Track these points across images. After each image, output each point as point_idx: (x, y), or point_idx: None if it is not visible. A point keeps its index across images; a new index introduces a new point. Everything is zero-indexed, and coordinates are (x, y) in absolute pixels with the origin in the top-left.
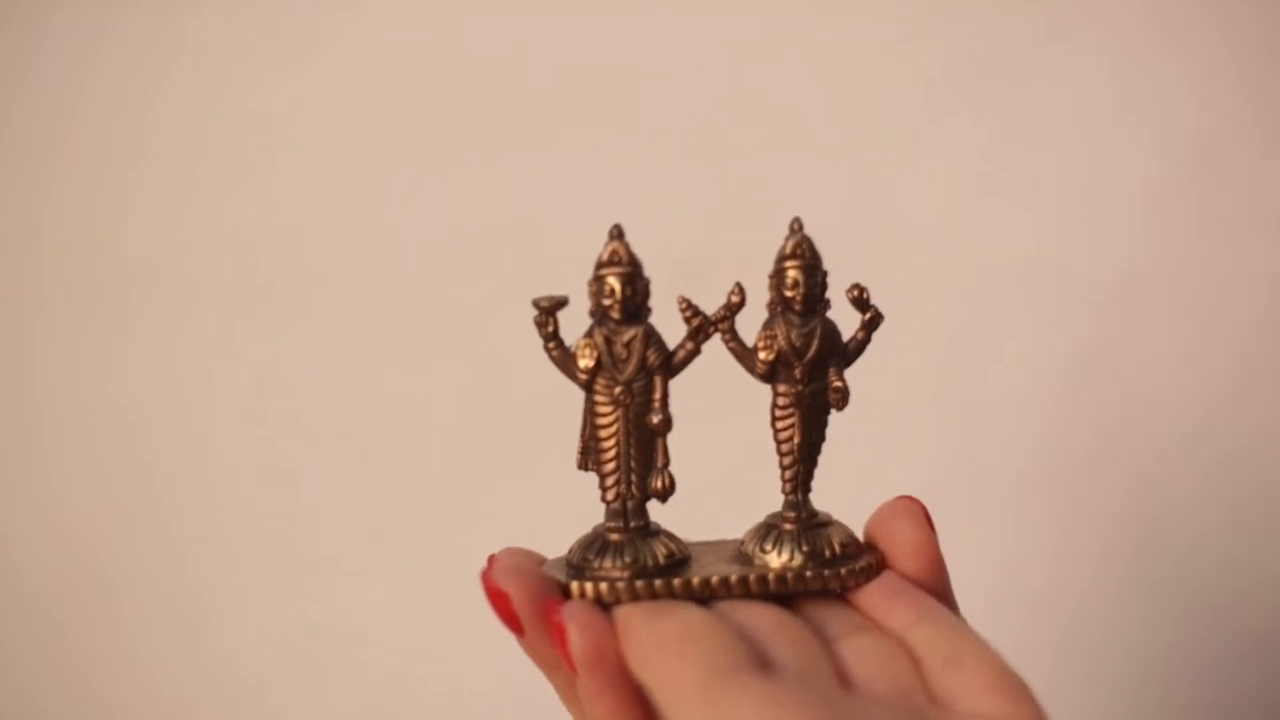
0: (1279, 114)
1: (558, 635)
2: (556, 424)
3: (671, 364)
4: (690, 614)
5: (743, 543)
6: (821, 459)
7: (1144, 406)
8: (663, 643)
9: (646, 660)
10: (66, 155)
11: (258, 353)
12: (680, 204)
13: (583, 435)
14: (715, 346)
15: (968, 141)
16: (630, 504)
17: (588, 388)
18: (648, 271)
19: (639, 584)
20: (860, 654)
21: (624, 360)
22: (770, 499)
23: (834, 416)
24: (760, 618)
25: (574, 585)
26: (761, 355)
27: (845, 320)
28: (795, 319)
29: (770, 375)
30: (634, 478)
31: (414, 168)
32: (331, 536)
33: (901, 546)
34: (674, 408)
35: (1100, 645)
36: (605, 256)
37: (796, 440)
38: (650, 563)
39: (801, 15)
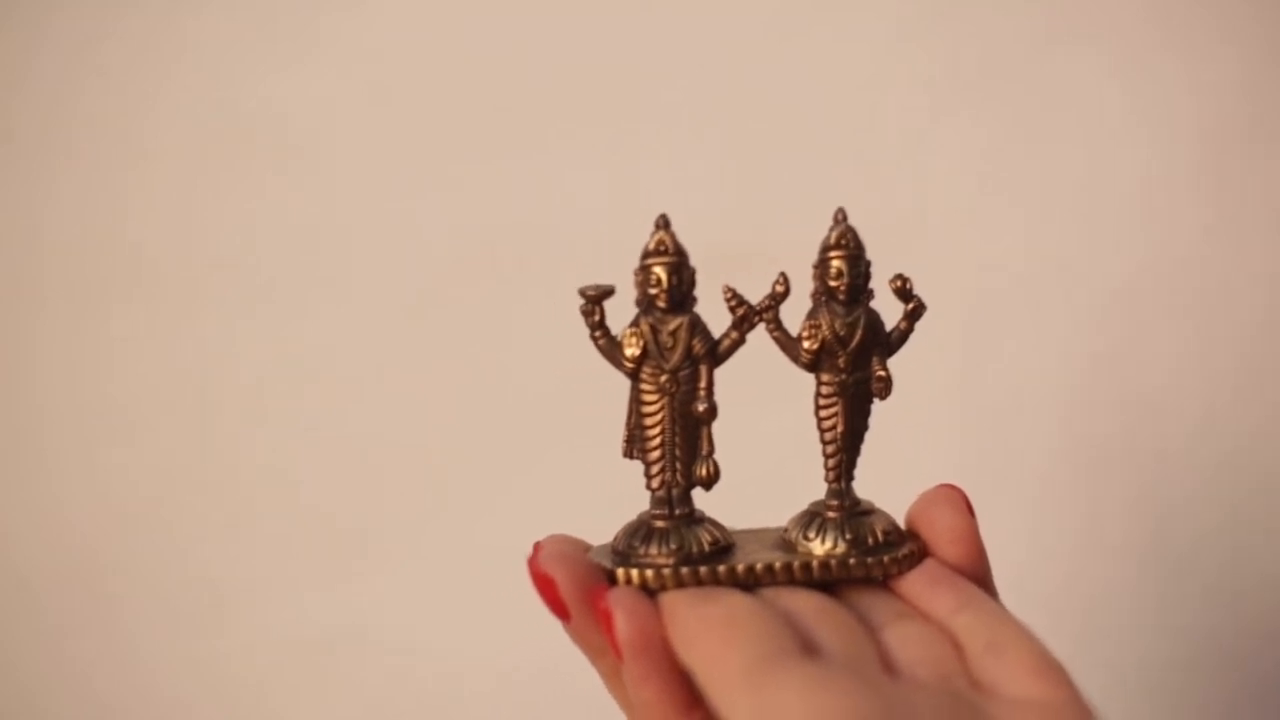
0: None
1: (604, 621)
2: (555, 424)
3: (716, 353)
4: (736, 600)
5: (786, 530)
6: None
7: (1158, 400)
8: (709, 628)
9: (692, 645)
10: (66, 155)
11: (258, 352)
12: (684, 202)
13: (628, 424)
14: (759, 336)
15: (970, 141)
16: (675, 492)
17: (634, 376)
18: None
19: (684, 570)
20: (903, 640)
21: (670, 349)
22: (813, 487)
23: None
24: (805, 604)
25: (619, 571)
26: (806, 344)
27: (888, 310)
28: (839, 308)
29: (814, 364)
30: (679, 465)
31: (417, 166)
32: (333, 536)
33: (942, 534)
34: (718, 396)
35: (1120, 637)
36: (652, 246)
37: (840, 429)
38: (695, 550)
39: (802, 15)
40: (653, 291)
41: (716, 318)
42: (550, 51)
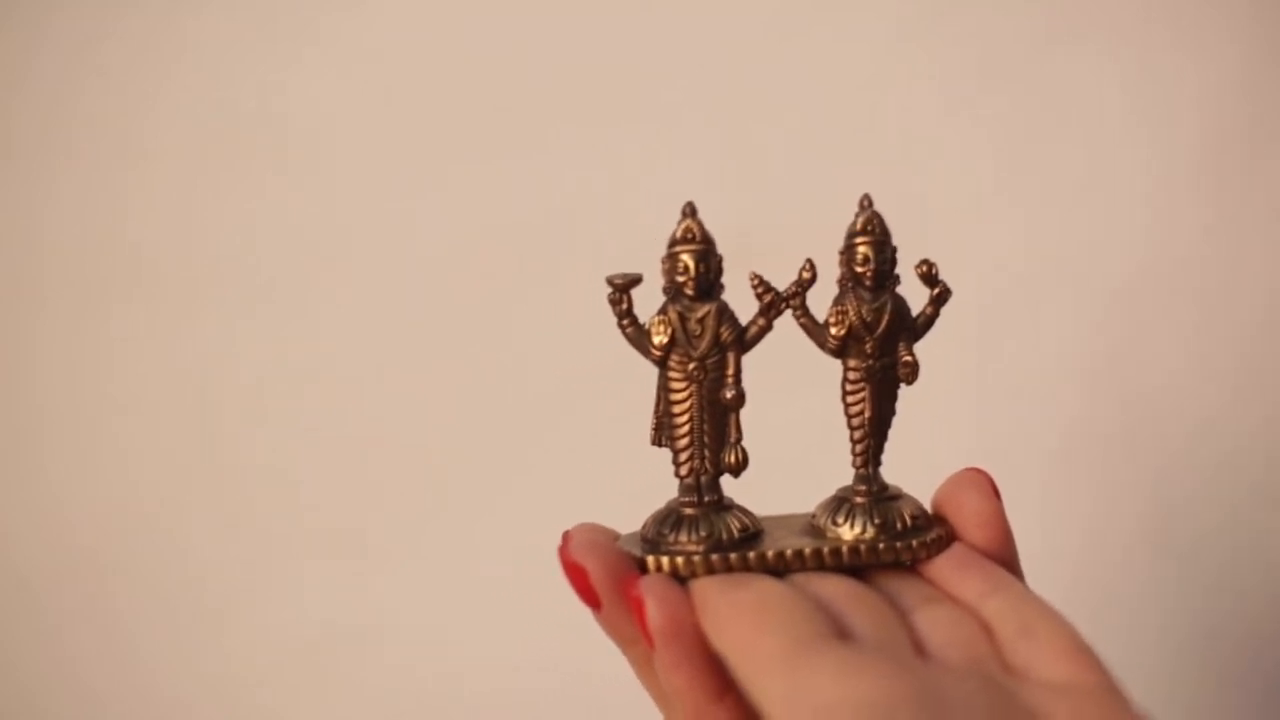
0: None
1: (636, 609)
2: (556, 422)
3: (744, 340)
4: (767, 585)
5: (814, 516)
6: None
7: (1163, 396)
8: (741, 614)
9: (725, 631)
10: (66, 155)
11: (258, 352)
12: (690, 196)
13: (656, 411)
14: (786, 322)
15: (973, 140)
16: (704, 479)
17: (662, 364)
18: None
19: (714, 557)
20: (934, 624)
21: (697, 336)
22: (840, 473)
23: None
24: (835, 589)
25: (650, 559)
26: (833, 330)
27: (913, 296)
28: (866, 294)
29: (841, 350)
30: (707, 453)
31: (418, 165)
32: (333, 536)
33: (970, 518)
34: (746, 383)
35: (1127, 635)
36: (679, 234)
37: (867, 414)
38: (724, 536)
39: (809, 13)
40: (680, 279)
41: (743, 305)
42: (556, 47)
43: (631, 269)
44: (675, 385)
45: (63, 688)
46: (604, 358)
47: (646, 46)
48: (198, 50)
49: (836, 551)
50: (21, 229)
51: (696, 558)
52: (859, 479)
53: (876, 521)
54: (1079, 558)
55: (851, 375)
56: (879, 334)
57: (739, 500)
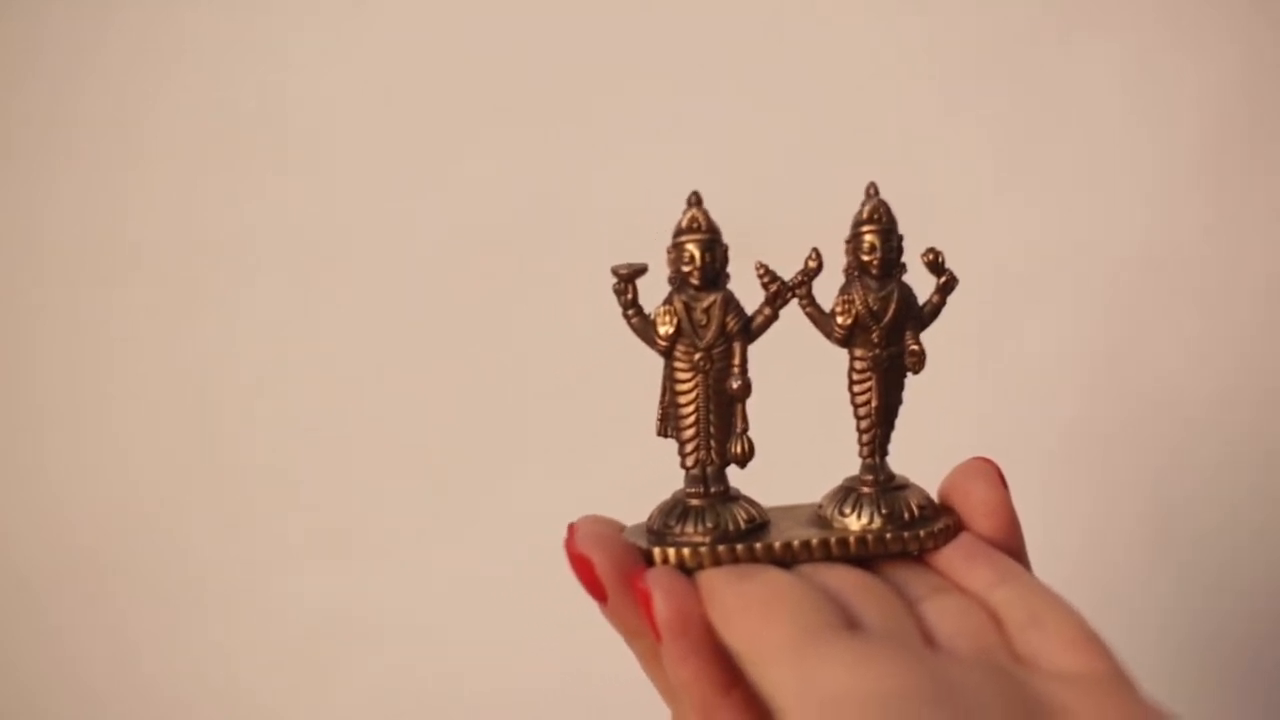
0: None
1: (642, 601)
2: (556, 420)
3: (750, 329)
4: (775, 576)
5: (821, 506)
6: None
7: (1166, 392)
8: (749, 605)
9: (733, 623)
10: (65, 153)
11: (256, 349)
12: (697, 184)
13: (662, 402)
14: (792, 312)
15: (976, 135)
16: (710, 470)
17: (667, 354)
18: None
19: (721, 549)
20: (942, 614)
21: (703, 326)
22: (847, 463)
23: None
24: (843, 579)
25: (656, 551)
26: (839, 320)
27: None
28: (872, 283)
29: (848, 339)
30: (713, 444)
31: (418, 162)
32: (333, 535)
33: (976, 507)
34: (752, 373)
35: (1132, 625)
36: (684, 223)
37: (874, 404)
38: (731, 527)
39: (810, 11)
40: (686, 269)
41: (749, 294)
42: (557, 45)
43: (635, 261)
44: (681, 376)
45: (61, 687)
46: (609, 349)
47: (649, 43)
48: (197, 48)
49: (844, 542)
50: (20, 227)
51: (703, 549)
52: (866, 469)
53: (884, 512)
54: (1079, 557)
55: (858, 365)
56: (885, 323)
57: (745, 491)
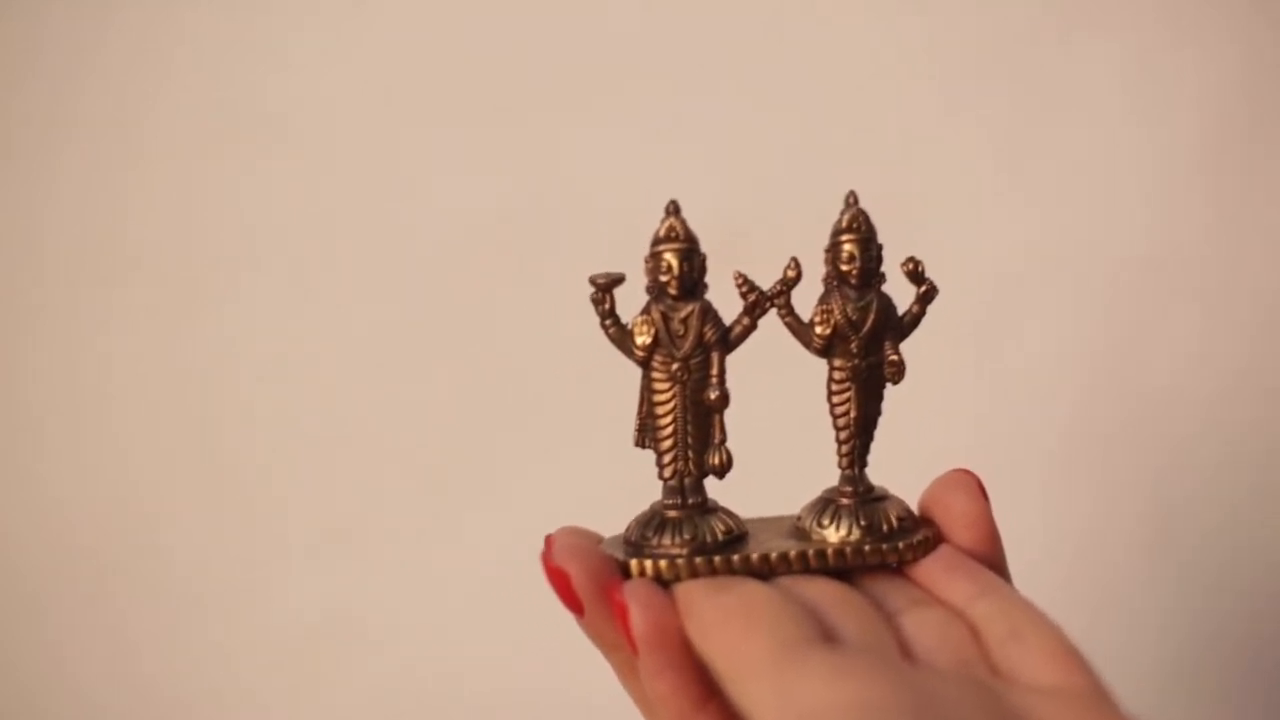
0: None
1: (619, 614)
2: (554, 420)
3: (728, 340)
4: (753, 589)
5: (800, 518)
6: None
7: (1165, 393)
8: (727, 618)
9: (710, 636)
10: (63, 152)
11: (254, 350)
12: (693, 189)
13: (639, 412)
14: (771, 322)
15: (977, 134)
16: (688, 481)
17: (645, 364)
18: None
19: (698, 560)
20: (921, 627)
21: (681, 336)
22: (826, 474)
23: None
24: (822, 592)
25: (633, 563)
26: (818, 330)
27: (899, 294)
28: (851, 293)
29: (827, 349)
30: (691, 454)
31: (417, 161)
32: (332, 535)
33: (957, 519)
34: (730, 383)
35: (1132, 625)
36: (662, 233)
37: (853, 414)
38: (709, 539)
39: (808, 11)
40: (664, 278)
41: (727, 304)
42: (555, 41)
43: (624, 267)
44: (659, 386)
45: (60, 688)
46: (589, 358)
47: (649, 44)
48: (196, 48)
49: (822, 554)
50: (19, 227)
51: (680, 561)
52: (845, 480)
53: (862, 523)
54: (1079, 557)
55: (837, 375)
56: (865, 333)
57: (723, 502)
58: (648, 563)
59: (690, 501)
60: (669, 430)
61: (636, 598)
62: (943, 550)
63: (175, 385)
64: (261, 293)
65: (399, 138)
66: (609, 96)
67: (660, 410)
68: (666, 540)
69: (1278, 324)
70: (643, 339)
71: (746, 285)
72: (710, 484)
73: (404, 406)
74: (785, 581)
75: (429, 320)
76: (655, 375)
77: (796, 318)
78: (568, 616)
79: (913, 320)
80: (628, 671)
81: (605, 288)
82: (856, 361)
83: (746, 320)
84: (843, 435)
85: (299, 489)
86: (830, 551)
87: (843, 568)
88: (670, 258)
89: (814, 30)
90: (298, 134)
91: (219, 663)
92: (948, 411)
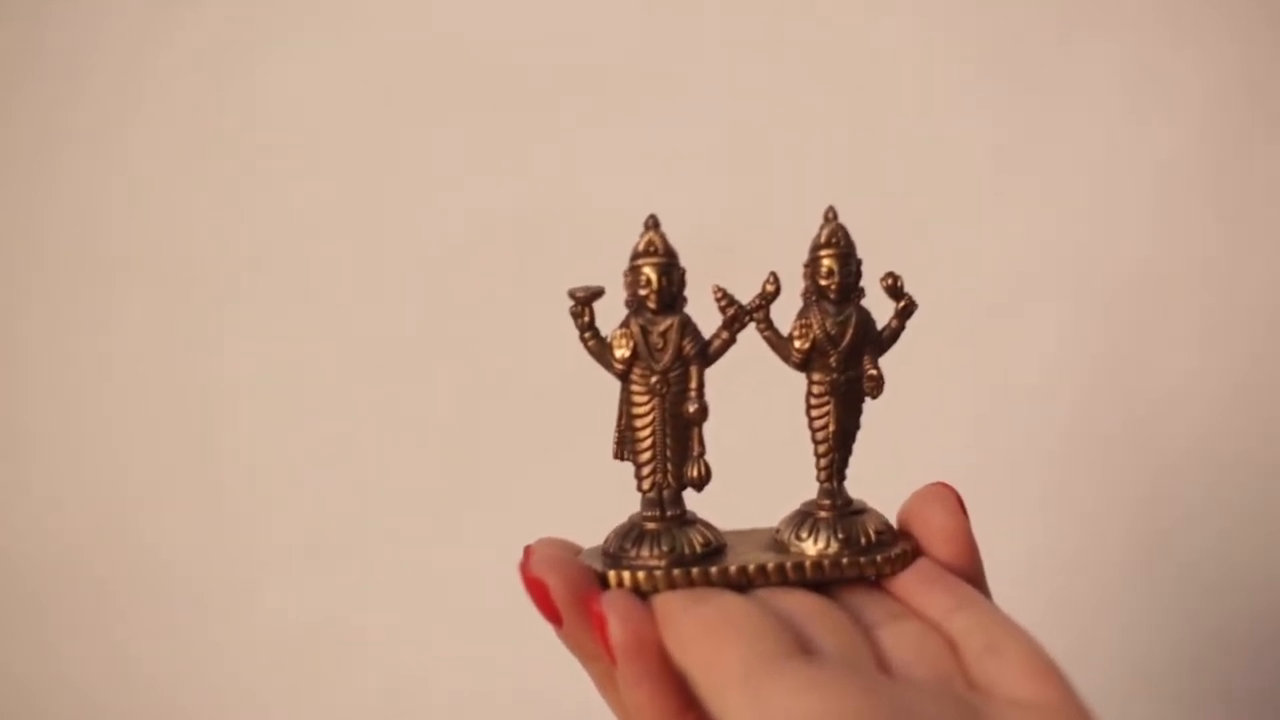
0: None
1: (597, 625)
2: (545, 428)
3: (707, 353)
4: (730, 601)
5: (778, 531)
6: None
7: (1163, 401)
8: (705, 630)
9: (688, 647)
10: (56, 155)
11: (251, 353)
12: (676, 201)
13: (619, 425)
14: (750, 336)
15: (976, 138)
16: (666, 493)
17: (624, 377)
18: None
19: (676, 572)
20: (898, 640)
21: (660, 350)
22: (804, 487)
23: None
24: (799, 605)
25: (611, 574)
26: (797, 344)
27: (879, 309)
28: (830, 307)
29: (805, 364)
30: (670, 467)
31: (413, 165)
32: (330, 536)
33: (935, 533)
34: (709, 397)
35: (1129, 628)
36: (641, 247)
37: (831, 428)
38: (687, 551)
39: (807, 13)
40: (643, 292)
41: (707, 318)
42: (544, 51)
43: (620, 275)
44: (637, 399)
45: (56, 693)
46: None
47: (649, 43)
48: (190, 49)
49: (800, 566)
50: (12, 229)
51: (658, 572)
52: (823, 493)
53: (840, 536)
54: (1077, 559)
55: (815, 389)
56: (843, 347)
57: (702, 515)
58: (626, 574)
59: (669, 514)
60: (648, 443)
61: (615, 609)
62: (921, 564)
63: (174, 386)
64: (259, 295)
65: (396, 142)
66: (606, 102)
67: (639, 423)
68: (645, 552)
69: (1278, 325)
70: (621, 352)
71: (725, 299)
72: (689, 496)
73: (402, 409)
74: (763, 594)
75: (426, 323)
76: (634, 388)
77: (775, 332)
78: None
79: (892, 335)
80: (606, 682)
81: (584, 301)
82: (835, 376)
83: (725, 334)
84: (821, 449)
85: (297, 490)
86: (808, 564)
87: (821, 580)
88: (649, 272)
89: (812, 31)
90: (296, 137)
91: (218, 664)
92: (947, 414)
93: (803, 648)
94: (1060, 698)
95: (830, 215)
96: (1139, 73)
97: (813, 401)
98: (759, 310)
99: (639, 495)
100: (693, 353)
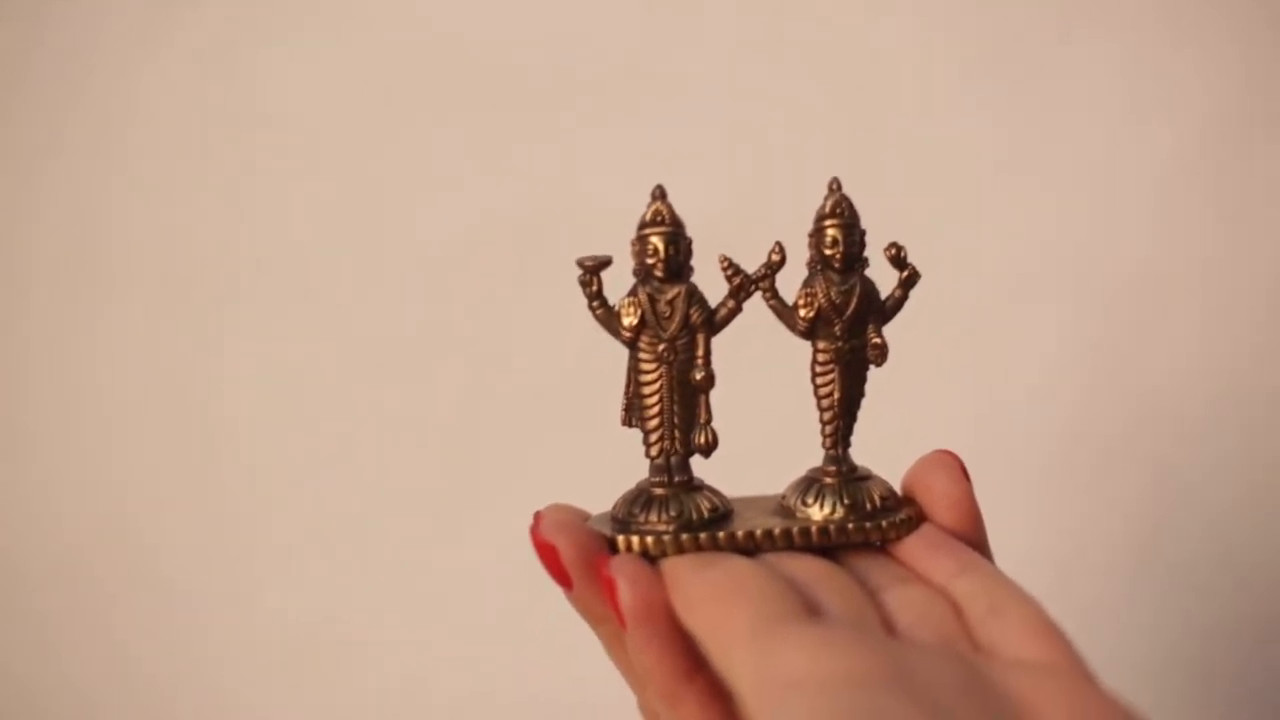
0: None
1: (607, 588)
2: (543, 421)
3: (714, 322)
4: (738, 564)
5: (784, 497)
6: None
7: (1162, 397)
8: (713, 593)
9: (696, 610)
10: (53, 154)
11: (249, 352)
12: (682, 175)
13: (626, 392)
14: (756, 304)
15: (977, 134)
16: (674, 459)
17: (632, 345)
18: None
19: (684, 537)
20: (903, 603)
21: (667, 318)
22: (810, 454)
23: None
24: (806, 568)
25: (620, 539)
26: (802, 313)
27: (883, 278)
28: (835, 277)
29: (810, 332)
30: (677, 434)
31: (413, 159)
32: (328, 536)
33: (939, 499)
34: (716, 364)
35: (1124, 625)
36: (648, 217)
37: (836, 395)
38: (694, 516)
39: (807, 11)
40: (650, 261)
41: (713, 287)
42: (544, 51)
43: (620, 272)
44: (645, 366)
45: (53, 692)
46: (570, 370)
47: (648, 43)
48: (190, 49)
49: (806, 531)
50: (12, 229)
51: (666, 537)
52: (828, 460)
53: (846, 502)
54: (1075, 555)
55: (821, 357)
56: (848, 316)
57: (709, 481)
58: (634, 539)
59: (676, 480)
60: (655, 410)
61: (624, 572)
62: (925, 529)
63: (174, 386)
64: (259, 295)
65: (397, 142)
66: (606, 102)
67: (647, 390)
68: (653, 517)
69: (1278, 323)
70: (629, 320)
71: (731, 268)
72: (696, 463)
73: (402, 408)
74: (770, 558)
75: (426, 323)
76: (642, 356)
77: (781, 301)
78: (567, 616)
79: (895, 304)
80: (615, 644)
81: (593, 269)
82: (840, 344)
83: (732, 303)
84: (826, 416)
85: (297, 490)
86: (814, 529)
87: (826, 545)
88: (656, 241)
89: (812, 31)
90: (296, 137)
91: (218, 664)
92: (947, 410)
93: (809, 610)
94: (1063, 658)
95: (834, 186)
96: (1139, 73)
97: (818, 369)
98: (765, 279)
99: (647, 462)
100: (699, 321)
